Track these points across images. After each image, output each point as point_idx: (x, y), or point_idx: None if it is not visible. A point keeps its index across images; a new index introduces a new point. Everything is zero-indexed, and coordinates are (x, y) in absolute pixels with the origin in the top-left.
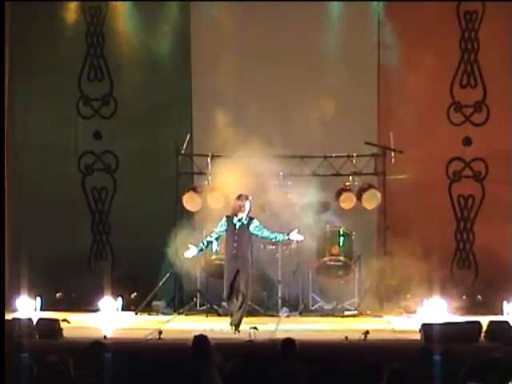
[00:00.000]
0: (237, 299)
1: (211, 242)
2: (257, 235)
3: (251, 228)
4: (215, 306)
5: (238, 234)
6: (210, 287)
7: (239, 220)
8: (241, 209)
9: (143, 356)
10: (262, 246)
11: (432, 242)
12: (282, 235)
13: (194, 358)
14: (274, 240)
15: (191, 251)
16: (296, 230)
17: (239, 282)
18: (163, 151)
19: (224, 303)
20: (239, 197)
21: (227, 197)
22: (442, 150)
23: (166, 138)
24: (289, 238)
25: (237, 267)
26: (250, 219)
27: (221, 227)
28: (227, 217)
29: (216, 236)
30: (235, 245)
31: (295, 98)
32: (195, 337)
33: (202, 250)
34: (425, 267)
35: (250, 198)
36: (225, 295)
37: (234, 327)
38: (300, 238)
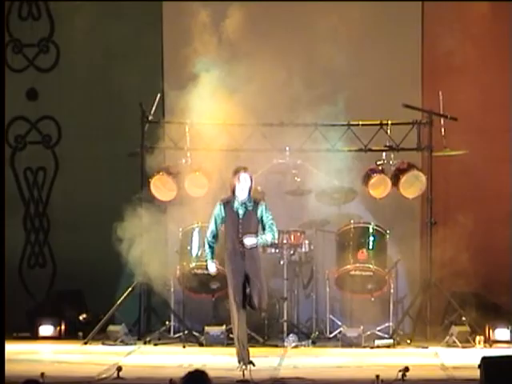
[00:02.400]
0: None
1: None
2: (263, 224)
3: (259, 213)
4: (195, 333)
5: (242, 224)
6: (188, 306)
7: (242, 204)
8: (241, 188)
9: None
10: (260, 249)
11: (493, 240)
12: (269, 236)
13: None
14: (271, 234)
15: (211, 266)
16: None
17: (250, 295)
18: (123, 117)
19: (208, 328)
20: (236, 171)
21: (212, 180)
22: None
23: (126, 100)
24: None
25: (245, 270)
26: (256, 201)
27: (217, 218)
28: (223, 202)
29: (215, 233)
30: (241, 238)
31: (303, 49)
32: (189, 373)
33: (212, 257)
34: (485, 278)
35: (250, 172)
36: (234, 309)
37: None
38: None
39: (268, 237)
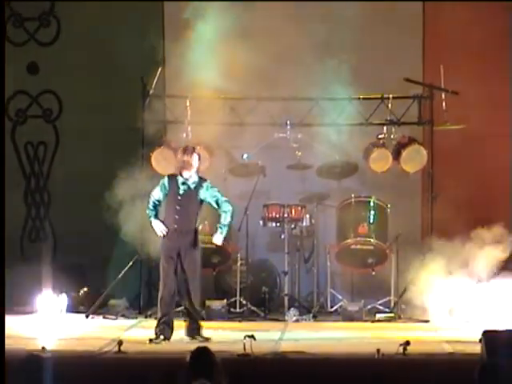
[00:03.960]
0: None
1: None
2: (209, 204)
3: (201, 193)
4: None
5: (181, 203)
6: None
7: (184, 182)
8: (186, 165)
9: (96, 375)
10: (261, 222)
11: (496, 214)
12: (221, 224)
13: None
14: (226, 215)
15: (157, 225)
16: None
17: (188, 273)
18: (124, 91)
19: (209, 302)
20: (185, 150)
21: (214, 155)
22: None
23: (127, 74)
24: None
25: (178, 248)
26: (201, 180)
27: (160, 191)
28: (170, 176)
29: (155, 204)
30: (176, 217)
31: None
32: (195, 350)
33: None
34: (487, 252)
35: (198, 149)
36: (161, 290)
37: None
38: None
39: (226, 220)
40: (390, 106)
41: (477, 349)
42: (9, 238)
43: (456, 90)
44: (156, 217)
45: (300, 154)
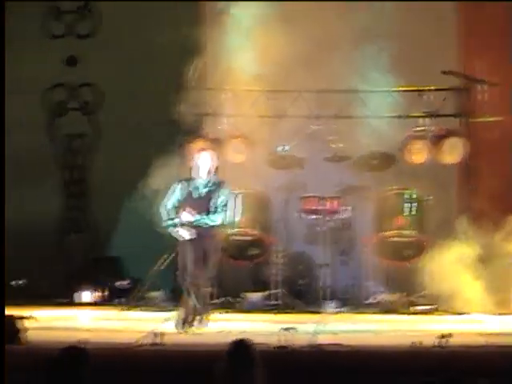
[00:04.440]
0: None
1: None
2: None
3: (219, 195)
4: (234, 299)
5: (200, 204)
6: (227, 273)
7: (202, 184)
8: (199, 168)
9: (134, 367)
10: (297, 214)
11: None
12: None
13: (232, 375)
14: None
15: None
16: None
17: (204, 262)
18: (162, 84)
19: (247, 294)
20: (200, 150)
21: (252, 147)
22: None
23: (166, 66)
24: None
25: (201, 243)
26: (220, 183)
27: (174, 197)
28: (182, 181)
29: (170, 212)
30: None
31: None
32: (235, 342)
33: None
34: None
35: (211, 153)
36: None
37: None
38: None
39: (208, 219)
40: (428, 97)
41: None
42: (47, 230)
43: (494, 81)
44: (176, 224)
45: (338, 146)
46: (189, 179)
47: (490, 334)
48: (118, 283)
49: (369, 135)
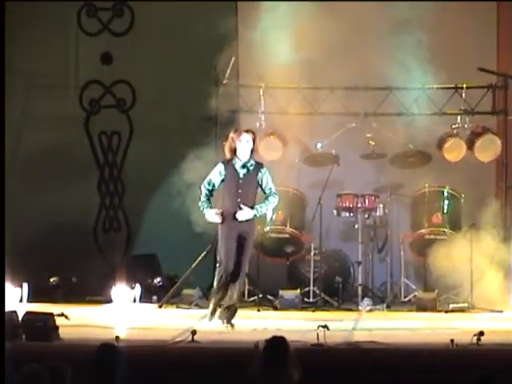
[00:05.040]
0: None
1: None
2: (264, 190)
3: (259, 177)
4: (270, 297)
5: (242, 186)
6: (262, 270)
7: (244, 166)
8: (242, 148)
9: (170, 365)
10: (334, 212)
11: None
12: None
13: (267, 372)
14: (268, 204)
15: (211, 215)
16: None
17: (239, 255)
18: (198, 80)
19: (283, 292)
20: (238, 131)
21: (287, 144)
22: None
23: (201, 63)
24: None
25: (241, 234)
26: (258, 165)
27: (217, 176)
28: (225, 162)
29: (210, 188)
30: (239, 200)
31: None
32: (270, 340)
33: (211, 207)
34: None
35: (252, 134)
36: (218, 275)
37: (225, 321)
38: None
39: (264, 208)
40: (463, 95)
41: None
42: (83, 228)
43: None
44: (209, 207)
45: (374, 143)
46: (230, 160)
47: None
48: (154, 280)
49: (405, 132)
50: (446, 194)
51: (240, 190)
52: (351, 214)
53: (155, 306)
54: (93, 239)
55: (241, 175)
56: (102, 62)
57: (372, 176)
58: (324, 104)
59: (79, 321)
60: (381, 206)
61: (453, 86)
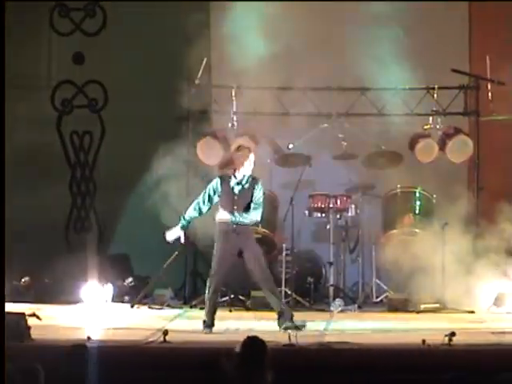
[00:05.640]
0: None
1: (197, 214)
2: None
3: (254, 192)
4: (242, 297)
5: (237, 202)
6: (234, 271)
7: (239, 182)
8: (242, 165)
9: (141, 365)
10: (306, 212)
11: None
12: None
13: (245, 373)
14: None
15: (173, 232)
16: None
17: (254, 267)
18: (170, 81)
19: (254, 293)
20: (239, 148)
21: (258, 145)
22: None
23: (174, 63)
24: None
25: (239, 247)
26: (254, 180)
27: (212, 192)
28: (221, 177)
29: (204, 205)
30: (233, 217)
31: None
32: (247, 340)
33: (184, 227)
34: None
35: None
36: (209, 285)
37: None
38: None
39: (248, 218)
40: (435, 96)
41: None
42: (54, 228)
43: (502, 80)
44: (183, 226)
45: (346, 144)
46: (227, 176)
47: (497, 332)
48: (126, 281)
49: (377, 133)
50: (417, 194)
51: (235, 207)
52: (323, 215)
53: (127, 306)
54: (64, 239)
55: (236, 191)
56: (75, 62)
57: (344, 176)
58: (296, 104)
59: (51, 321)
60: (353, 206)
61: (425, 86)
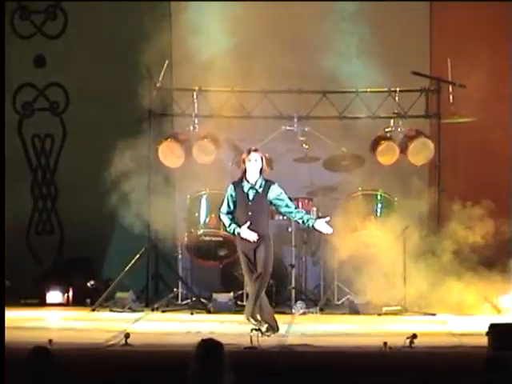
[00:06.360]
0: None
1: (232, 217)
2: (277, 206)
3: (270, 196)
4: (203, 300)
5: (251, 208)
6: (196, 273)
7: (252, 187)
8: (251, 169)
9: (103, 368)
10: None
11: (500, 207)
12: (307, 216)
13: (199, 375)
14: (294, 218)
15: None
16: (327, 219)
17: (258, 261)
18: (131, 84)
19: (216, 295)
20: (248, 152)
21: (220, 147)
22: None
23: (135, 65)
24: (313, 227)
25: (254, 250)
26: (267, 183)
27: (229, 199)
28: (235, 183)
29: (230, 211)
30: (249, 222)
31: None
32: (201, 342)
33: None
34: (496, 247)
35: (261, 153)
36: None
37: (251, 319)
38: (328, 230)
39: (304, 216)
40: (397, 98)
41: (484, 342)
42: (15, 231)
43: (463, 83)
44: (239, 226)
45: (307, 146)
46: (240, 181)
47: (458, 334)
48: (87, 283)
49: (338, 136)
50: (379, 197)
51: (250, 213)
52: (285, 217)
53: (88, 309)
54: (26, 242)
55: (250, 197)
56: (35, 65)
57: (306, 179)
58: (257, 107)
59: (12, 324)
60: (314, 209)
61: (386, 89)
